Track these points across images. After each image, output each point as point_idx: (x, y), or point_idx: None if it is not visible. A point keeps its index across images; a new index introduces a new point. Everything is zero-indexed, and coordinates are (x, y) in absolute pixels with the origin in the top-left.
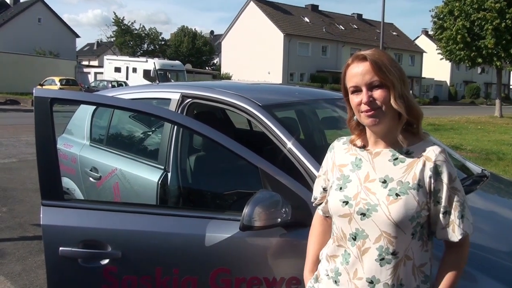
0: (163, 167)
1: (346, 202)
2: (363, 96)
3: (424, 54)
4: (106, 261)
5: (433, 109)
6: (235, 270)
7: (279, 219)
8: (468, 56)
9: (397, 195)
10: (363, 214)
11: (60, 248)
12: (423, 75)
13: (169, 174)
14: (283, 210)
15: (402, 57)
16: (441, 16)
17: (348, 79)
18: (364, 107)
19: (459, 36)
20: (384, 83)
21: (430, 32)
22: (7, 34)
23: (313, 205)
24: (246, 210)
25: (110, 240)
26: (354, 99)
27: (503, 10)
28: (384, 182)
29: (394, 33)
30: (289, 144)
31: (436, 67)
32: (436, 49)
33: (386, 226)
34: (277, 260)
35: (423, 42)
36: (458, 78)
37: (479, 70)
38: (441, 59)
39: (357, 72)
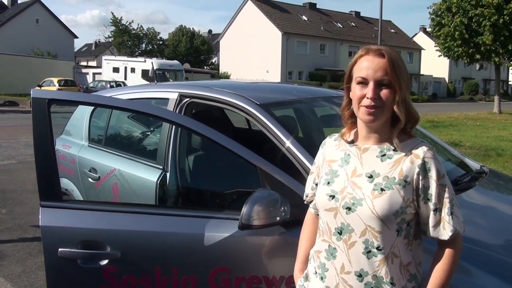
0: (161, 167)
1: (333, 196)
2: (368, 91)
3: (422, 51)
4: (105, 261)
5: (432, 106)
6: (234, 269)
7: (278, 218)
8: (466, 53)
9: (382, 189)
10: (349, 208)
11: (59, 249)
12: (421, 72)
13: (168, 174)
14: (282, 208)
15: (401, 54)
16: (439, 12)
17: (358, 69)
18: (366, 102)
19: (457, 33)
20: (393, 84)
21: (428, 29)
22: (5, 35)
23: (305, 202)
24: (244, 209)
25: (109, 241)
26: (357, 90)
27: (500, 6)
28: (371, 177)
29: (392, 31)
30: (288, 143)
31: (434, 64)
32: (434, 46)
33: (371, 220)
34: (276, 259)
35: (421, 39)
36: (457, 75)
37: (477, 66)
38: (439, 56)
39: (370, 65)
